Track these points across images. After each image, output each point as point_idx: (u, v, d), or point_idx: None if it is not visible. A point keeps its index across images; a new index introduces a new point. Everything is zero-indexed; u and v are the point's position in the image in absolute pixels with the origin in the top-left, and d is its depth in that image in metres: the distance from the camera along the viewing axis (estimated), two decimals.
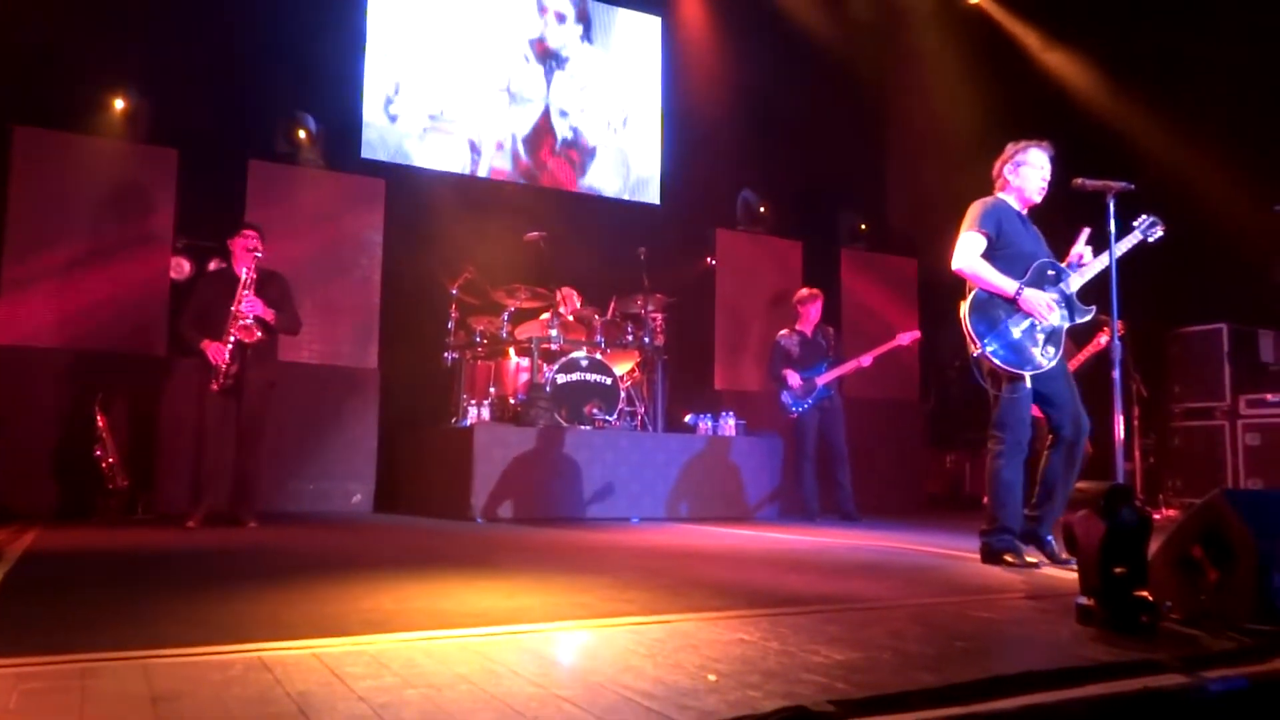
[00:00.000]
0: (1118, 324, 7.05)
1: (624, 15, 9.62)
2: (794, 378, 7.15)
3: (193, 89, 7.14)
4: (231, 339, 5.39)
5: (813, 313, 7.35)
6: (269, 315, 5.50)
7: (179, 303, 6.65)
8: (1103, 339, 6.92)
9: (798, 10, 9.53)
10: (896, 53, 10.01)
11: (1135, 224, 4.01)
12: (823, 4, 9.61)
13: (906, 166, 10.30)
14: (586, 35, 9.37)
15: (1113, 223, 3.83)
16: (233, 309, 5.40)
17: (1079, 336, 7.13)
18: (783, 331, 7.44)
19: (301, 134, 7.34)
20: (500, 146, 8.79)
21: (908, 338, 7.38)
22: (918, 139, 9.95)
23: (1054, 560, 3.93)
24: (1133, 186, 3.86)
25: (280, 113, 7.38)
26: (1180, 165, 7.80)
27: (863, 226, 9.64)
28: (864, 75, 9.78)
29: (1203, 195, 7.69)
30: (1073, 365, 7.12)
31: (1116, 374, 3.82)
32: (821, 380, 7.16)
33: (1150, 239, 4.01)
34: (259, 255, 5.50)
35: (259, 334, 5.47)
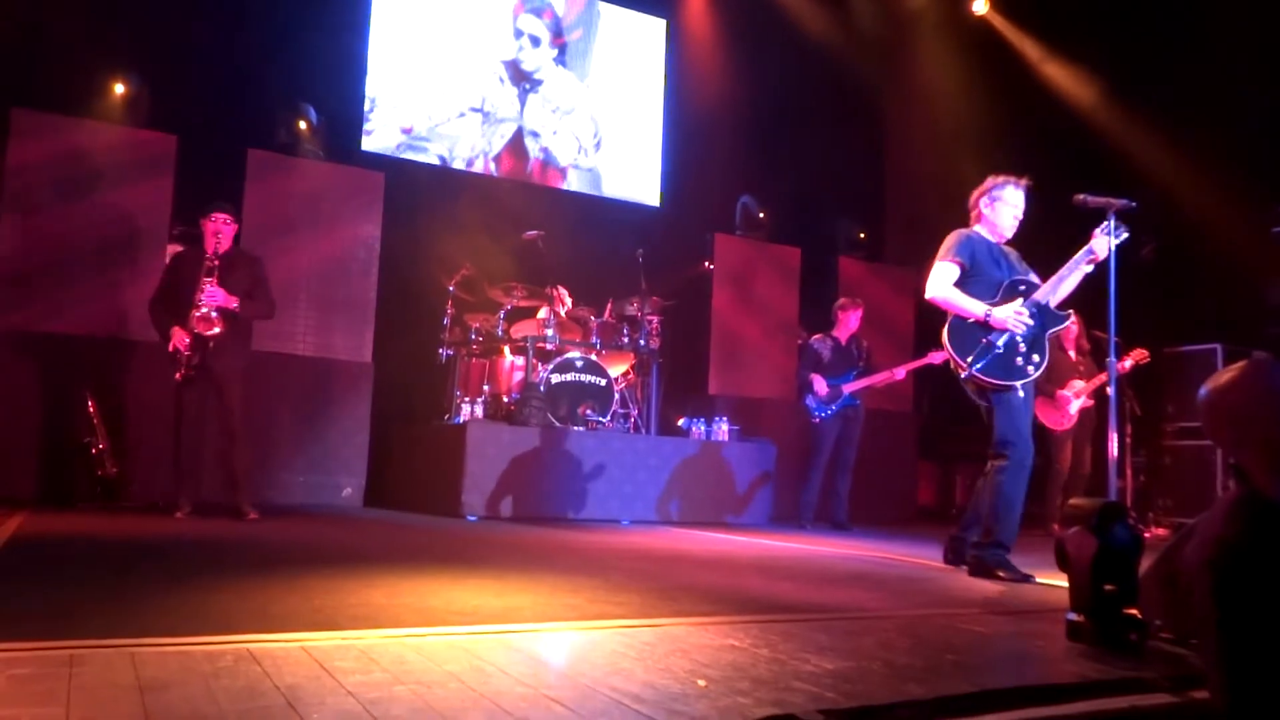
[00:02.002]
0: (1141, 352, 7.08)
1: (629, 17, 9.63)
2: (820, 383, 7.12)
3: (194, 76, 7.13)
4: (192, 330, 5.25)
5: (851, 321, 7.30)
6: (232, 304, 5.31)
7: None
8: (1126, 363, 6.95)
9: (803, 18, 9.55)
10: (898, 62, 10.04)
11: (1100, 229, 3.95)
12: (827, 13, 9.64)
13: (905, 176, 10.32)
14: (561, 59, 9.35)
15: (1112, 240, 3.83)
16: (195, 299, 5.24)
17: (1100, 360, 7.17)
18: (816, 336, 7.41)
19: (302, 124, 7.32)
20: (470, 165, 8.78)
21: (939, 357, 7.27)
22: (918, 150, 9.97)
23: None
24: (1135, 205, 3.87)
25: (281, 102, 7.37)
26: (1177, 183, 7.83)
27: (861, 235, 9.65)
28: (866, 84, 9.81)
29: (1199, 214, 7.72)
30: (1091, 387, 7.17)
31: (1113, 391, 3.83)
32: (848, 389, 7.14)
33: (1116, 240, 3.92)
34: (220, 238, 5.32)
35: (217, 329, 5.27)
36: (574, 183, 9.28)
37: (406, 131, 8.47)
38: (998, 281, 4.12)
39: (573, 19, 9.46)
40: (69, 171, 6.46)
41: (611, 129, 9.45)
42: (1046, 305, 4.06)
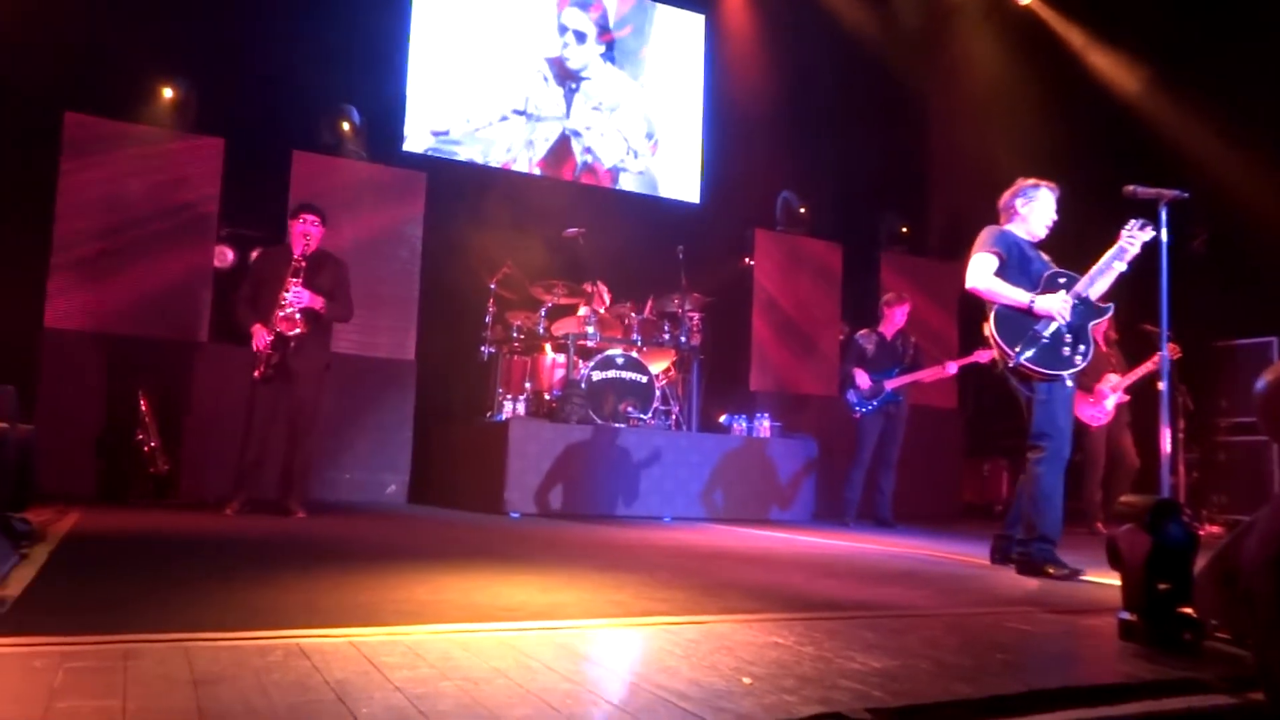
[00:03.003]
0: (1172, 347, 6.97)
1: (667, 12, 9.61)
2: (863, 378, 7.07)
3: (239, 80, 7.24)
4: (275, 329, 5.33)
5: (898, 316, 7.23)
6: (317, 304, 5.39)
7: (222, 290, 6.76)
8: (1160, 356, 6.80)
9: (842, 9, 9.45)
10: (941, 53, 9.90)
11: (1125, 229, 3.95)
12: (867, 3, 9.53)
13: (949, 169, 10.18)
14: (609, 55, 9.28)
15: (1164, 231, 3.76)
16: (280, 298, 5.32)
17: (1135, 355, 7.03)
18: (862, 330, 7.36)
19: (345, 126, 7.42)
20: (511, 165, 8.73)
21: (985, 356, 7.15)
22: (961, 142, 9.83)
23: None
24: (1186, 195, 3.80)
25: (324, 104, 7.47)
26: (1231, 172, 7.64)
27: (904, 229, 9.55)
28: (908, 76, 9.68)
29: (1254, 204, 7.52)
30: (1127, 381, 7.03)
31: (1165, 386, 3.75)
32: (890, 385, 7.08)
33: (1146, 239, 3.91)
34: (309, 240, 5.41)
35: (300, 329, 5.33)
36: (625, 185, 9.23)
37: (446, 133, 8.51)
38: (1036, 273, 4.08)
39: (622, 14, 9.42)
40: (120, 175, 6.61)
41: (652, 125, 9.42)
42: (1087, 296, 4.02)
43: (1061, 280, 4.06)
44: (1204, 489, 7.98)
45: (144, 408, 6.20)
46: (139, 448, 6.14)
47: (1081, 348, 3.98)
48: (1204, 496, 7.93)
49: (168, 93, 6.98)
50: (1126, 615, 2.45)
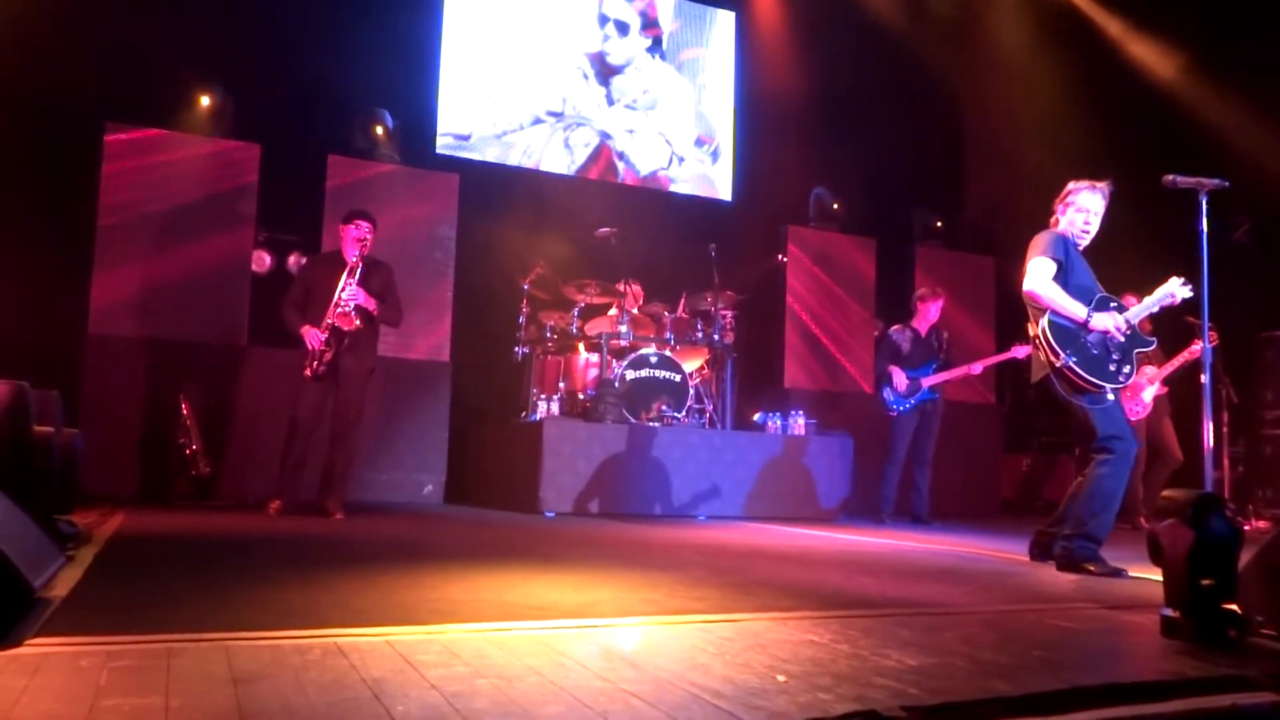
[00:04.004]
0: (1211, 333, 6.85)
1: (698, 10, 9.58)
2: (899, 377, 7.02)
3: (275, 86, 7.33)
4: (329, 325, 5.39)
5: (931, 312, 7.19)
6: (371, 305, 5.47)
7: (260, 294, 6.85)
8: (1196, 346, 6.68)
9: (873, 1, 9.38)
10: (974, 44, 9.79)
11: (1177, 281, 4.10)
12: None
13: (984, 162, 10.07)
14: (656, 49, 9.22)
15: (1204, 220, 3.69)
16: (336, 296, 5.40)
17: (1171, 344, 6.91)
18: (895, 326, 7.31)
19: (379, 130, 7.49)
20: (543, 166, 8.68)
21: (1022, 351, 7.06)
22: (995, 133, 9.72)
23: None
24: (1227, 184, 3.73)
25: (358, 108, 7.54)
26: (1273, 160, 7.48)
27: (938, 224, 9.46)
28: (941, 68, 9.57)
29: None
30: (1164, 373, 6.91)
31: (1207, 379, 3.70)
32: (927, 382, 7.02)
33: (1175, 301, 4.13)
34: (365, 244, 5.49)
35: (357, 323, 5.43)
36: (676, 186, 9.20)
37: (478, 136, 8.55)
38: (1088, 290, 4.10)
39: (664, 10, 9.36)
40: (160, 181, 6.72)
41: (683, 123, 9.39)
42: (1135, 326, 4.07)
43: (1112, 305, 4.10)
44: (1249, 483, 7.82)
45: (185, 411, 6.30)
46: (181, 450, 6.24)
47: (1126, 369, 4.04)
48: (1249, 491, 7.77)
49: (205, 100, 7.09)
50: (1169, 612, 2.41)
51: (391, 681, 1.73)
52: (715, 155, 9.49)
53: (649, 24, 9.24)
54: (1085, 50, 8.99)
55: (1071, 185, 4.24)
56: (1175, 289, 4.09)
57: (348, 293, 5.40)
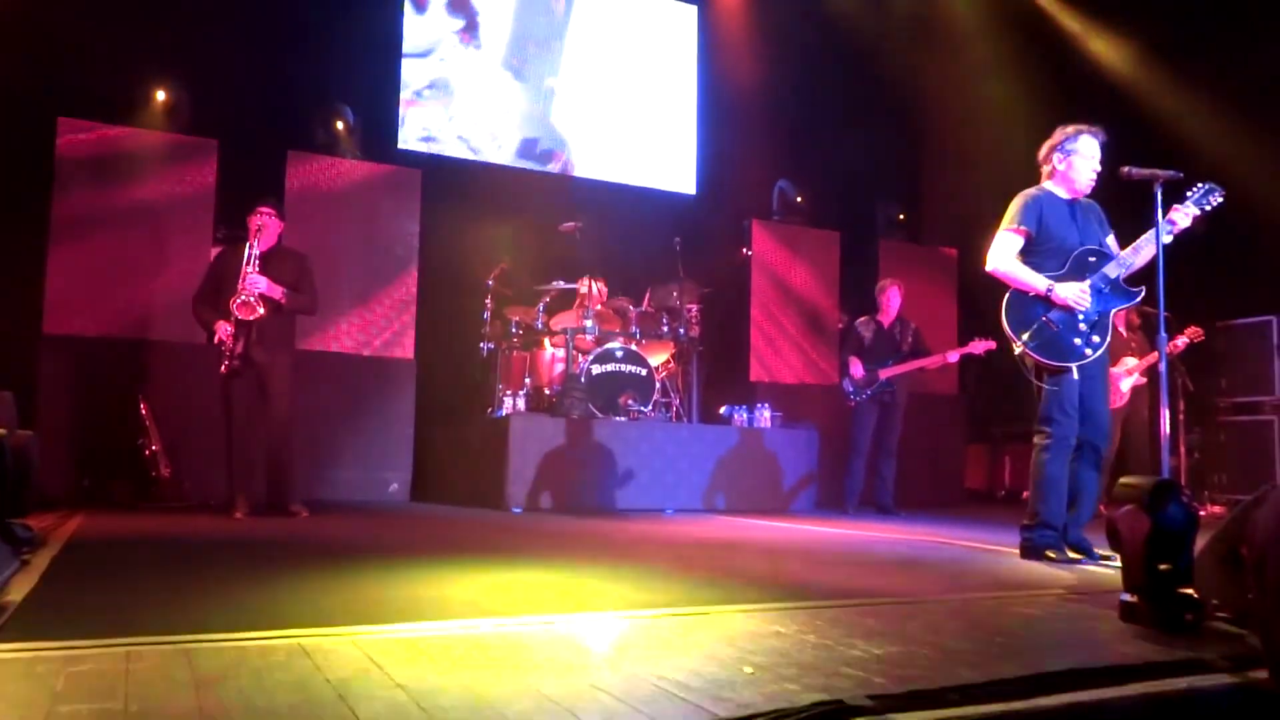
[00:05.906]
0: (1195, 330, 6.90)
1: (660, 4, 9.58)
2: (857, 367, 7.07)
3: (232, 80, 7.23)
4: (234, 318, 5.23)
5: (892, 300, 7.20)
6: (275, 293, 5.30)
7: None
8: (1180, 341, 6.78)
9: None
10: (934, 39, 9.86)
11: (1189, 194, 3.82)
12: None
13: (944, 155, 10.16)
14: (615, 42, 9.28)
15: (1159, 212, 3.73)
16: (238, 287, 5.23)
17: (1153, 338, 6.99)
18: (860, 318, 7.35)
19: (339, 125, 7.41)
20: (498, 155, 8.69)
21: (980, 346, 7.11)
22: (956, 128, 9.80)
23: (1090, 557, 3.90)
24: (1181, 175, 3.77)
25: (318, 104, 7.45)
26: (1229, 152, 7.61)
27: (901, 216, 9.54)
28: (901, 62, 9.64)
29: (1252, 183, 7.50)
30: (1144, 364, 7.00)
31: (1163, 367, 3.73)
32: (885, 373, 7.07)
33: (1208, 208, 3.83)
34: (262, 230, 5.36)
35: (260, 311, 5.23)
36: (613, 173, 9.25)
37: (437, 129, 8.50)
38: (1068, 250, 3.92)
39: (630, 5, 9.40)
40: (115, 177, 6.59)
41: (645, 118, 9.39)
42: (1116, 280, 3.89)
43: (1091, 259, 3.91)
44: (1205, 469, 7.98)
45: (145, 411, 6.20)
46: (141, 452, 6.14)
47: (1095, 338, 3.85)
48: (1205, 477, 7.93)
49: (160, 95, 6.96)
50: (1128, 597, 2.46)
51: (357, 682, 1.72)
52: (678, 149, 9.51)
53: (608, 19, 9.24)
54: (1044, 42, 9.09)
55: (1067, 131, 3.99)
56: (1177, 216, 3.73)
57: (247, 281, 5.23)
